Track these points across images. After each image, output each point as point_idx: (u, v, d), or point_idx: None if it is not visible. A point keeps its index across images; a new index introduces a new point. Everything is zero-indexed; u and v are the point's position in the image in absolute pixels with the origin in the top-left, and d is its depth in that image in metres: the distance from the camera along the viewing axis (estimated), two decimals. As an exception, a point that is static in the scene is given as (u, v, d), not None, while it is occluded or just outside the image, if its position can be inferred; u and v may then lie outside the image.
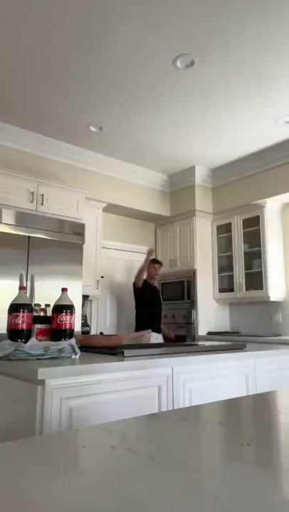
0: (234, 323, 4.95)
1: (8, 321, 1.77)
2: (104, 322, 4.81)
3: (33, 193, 3.65)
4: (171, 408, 1.64)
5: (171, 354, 1.81)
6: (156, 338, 4.18)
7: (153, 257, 4.38)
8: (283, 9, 2.46)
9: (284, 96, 3.37)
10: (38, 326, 1.86)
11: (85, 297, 4.24)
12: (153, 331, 4.10)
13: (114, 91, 3.32)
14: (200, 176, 4.96)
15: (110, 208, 4.82)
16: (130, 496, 0.46)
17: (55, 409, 1.33)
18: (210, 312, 4.82)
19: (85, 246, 4.15)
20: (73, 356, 1.64)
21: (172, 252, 5.12)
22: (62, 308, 1.83)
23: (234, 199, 4.81)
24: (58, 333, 1.81)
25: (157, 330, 4.21)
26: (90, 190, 4.22)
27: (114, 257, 5.03)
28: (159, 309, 4.34)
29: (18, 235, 3.46)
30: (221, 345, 2.16)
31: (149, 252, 4.32)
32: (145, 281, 4.27)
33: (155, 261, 4.37)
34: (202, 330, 4.67)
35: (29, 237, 3.51)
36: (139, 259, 5.23)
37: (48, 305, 1.92)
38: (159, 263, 4.41)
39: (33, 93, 3.36)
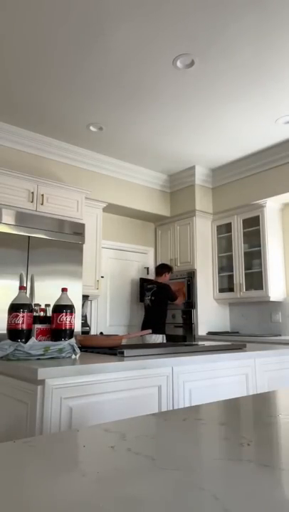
0: (234, 323, 4.95)
1: (8, 321, 1.77)
2: (104, 322, 4.81)
3: (33, 193, 3.65)
4: (171, 408, 1.64)
5: (171, 354, 1.81)
6: (158, 338, 4.24)
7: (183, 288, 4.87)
8: (283, 9, 2.46)
9: (284, 96, 3.37)
10: (38, 326, 1.86)
11: (85, 297, 4.24)
12: (164, 327, 4.41)
13: (114, 91, 3.33)
14: (200, 176, 4.96)
15: (110, 208, 4.82)
16: (130, 496, 0.46)
17: (55, 409, 1.33)
18: (210, 312, 4.82)
19: (85, 246, 4.15)
20: (73, 356, 1.64)
21: (172, 252, 5.12)
22: (62, 308, 1.83)
23: (234, 199, 4.81)
24: (58, 333, 1.81)
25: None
26: (90, 190, 4.22)
27: (114, 257, 5.03)
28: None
29: (18, 235, 3.46)
30: (221, 345, 2.16)
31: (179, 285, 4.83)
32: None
33: (172, 271, 4.77)
34: (202, 330, 4.67)
35: (29, 237, 3.51)
36: (139, 259, 5.24)
37: (48, 305, 1.92)
38: None
39: (34, 93, 3.36)
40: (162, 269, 4.66)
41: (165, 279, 4.63)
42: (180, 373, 1.71)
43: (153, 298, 4.49)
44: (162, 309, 4.46)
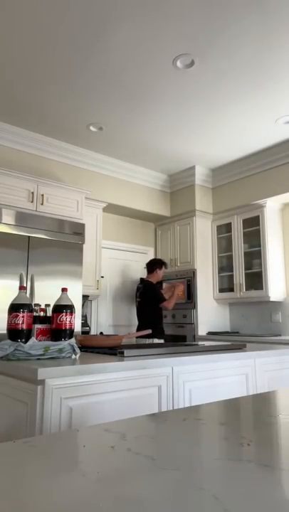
0: (234, 323, 4.95)
1: (8, 321, 1.77)
2: (104, 322, 4.81)
3: (33, 193, 3.65)
4: (171, 408, 1.64)
5: (171, 354, 1.81)
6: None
7: (180, 288, 4.35)
8: (283, 10, 2.46)
9: (284, 96, 3.37)
10: (38, 326, 1.86)
11: (85, 297, 4.24)
12: (159, 328, 4.06)
13: (114, 91, 3.32)
14: (200, 176, 4.96)
15: (110, 208, 4.82)
16: (130, 496, 0.46)
17: (55, 409, 1.33)
18: (210, 312, 4.82)
19: (85, 246, 4.15)
20: (73, 356, 1.64)
21: (172, 252, 5.12)
22: (62, 308, 1.83)
23: (234, 199, 4.81)
24: (58, 333, 1.81)
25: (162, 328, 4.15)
26: (90, 190, 4.22)
27: (114, 257, 5.03)
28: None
29: (18, 235, 3.46)
30: (221, 345, 2.16)
31: (176, 286, 4.28)
32: (157, 284, 4.24)
33: (166, 266, 4.33)
34: (202, 330, 4.67)
35: (29, 237, 3.51)
36: (139, 259, 5.24)
37: (48, 305, 1.92)
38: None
39: (34, 93, 3.36)
40: (152, 265, 4.22)
41: (157, 276, 4.21)
42: (180, 373, 1.71)
43: (139, 299, 4.15)
44: (152, 309, 4.05)
